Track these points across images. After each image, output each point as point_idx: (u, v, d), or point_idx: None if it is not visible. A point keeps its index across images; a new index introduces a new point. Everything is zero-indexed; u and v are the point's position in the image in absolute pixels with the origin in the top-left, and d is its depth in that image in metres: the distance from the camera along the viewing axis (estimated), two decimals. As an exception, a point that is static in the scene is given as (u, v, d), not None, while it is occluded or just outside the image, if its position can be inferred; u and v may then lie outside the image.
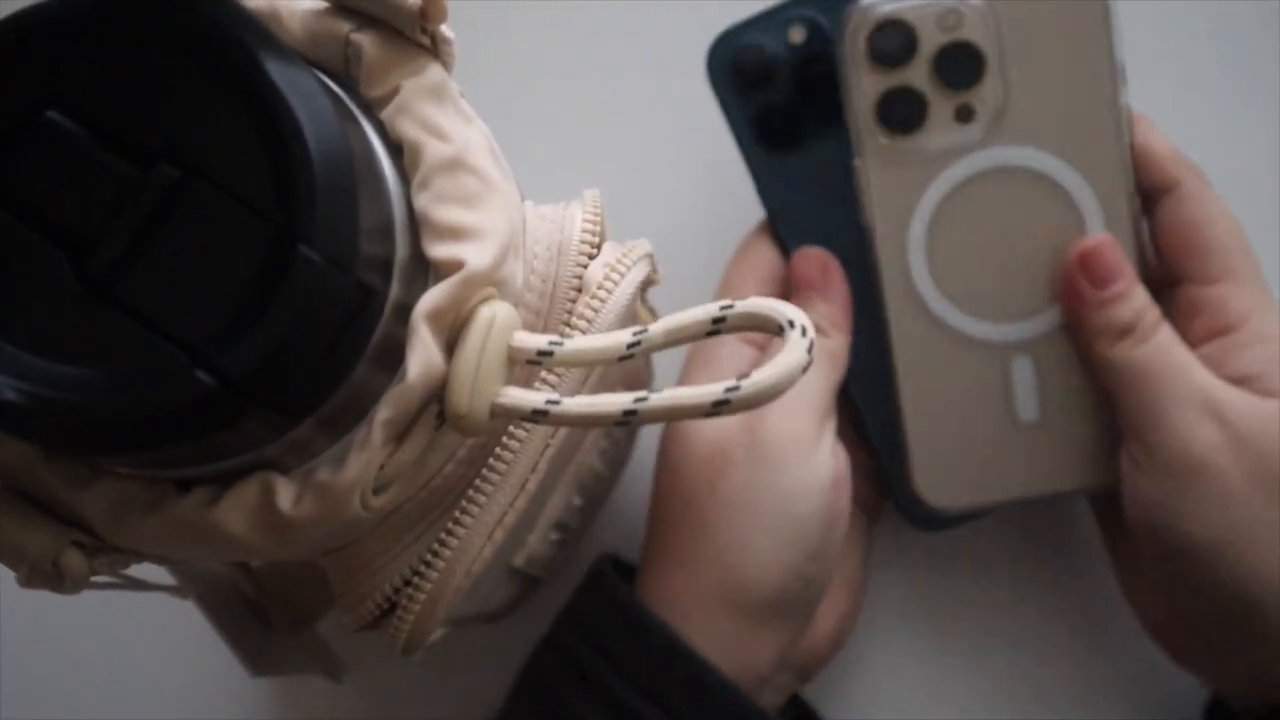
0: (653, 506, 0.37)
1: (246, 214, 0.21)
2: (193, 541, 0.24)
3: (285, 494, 0.24)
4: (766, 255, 0.39)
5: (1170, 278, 0.37)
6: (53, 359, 0.21)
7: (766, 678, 0.36)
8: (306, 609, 0.37)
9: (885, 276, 0.38)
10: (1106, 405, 0.37)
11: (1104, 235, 0.37)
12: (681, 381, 0.37)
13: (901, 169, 0.38)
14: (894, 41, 0.37)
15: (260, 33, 0.22)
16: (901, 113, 0.37)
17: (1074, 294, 0.36)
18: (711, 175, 0.44)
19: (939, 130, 0.37)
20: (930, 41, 0.37)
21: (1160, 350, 0.35)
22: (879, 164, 0.37)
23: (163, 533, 0.24)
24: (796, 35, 0.39)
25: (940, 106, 0.37)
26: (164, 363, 0.21)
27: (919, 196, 0.38)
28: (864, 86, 0.37)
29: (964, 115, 0.37)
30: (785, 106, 0.39)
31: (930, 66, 0.37)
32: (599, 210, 0.29)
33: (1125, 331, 0.35)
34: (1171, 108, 0.42)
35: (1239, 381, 0.34)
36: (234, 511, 0.24)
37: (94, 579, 0.25)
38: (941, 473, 0.38)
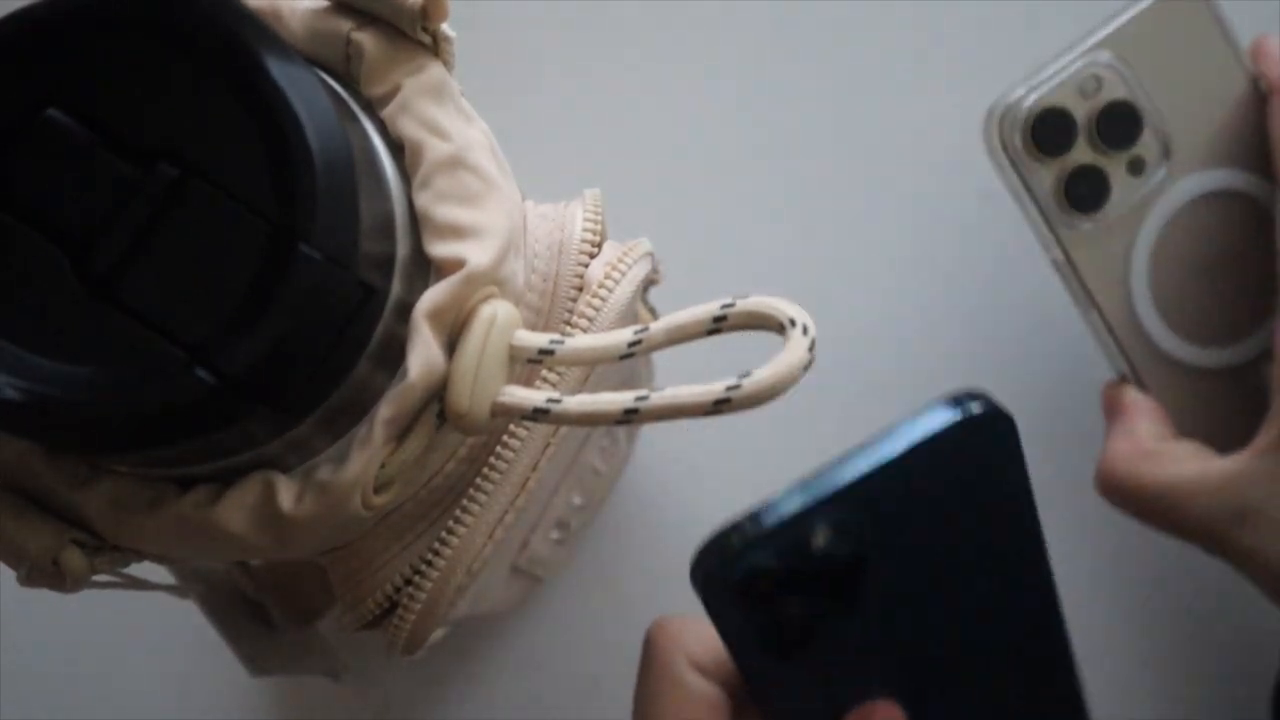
0: None
1: (246, 212, 0.21)
2: (193, 540, 0.24)
3: (286, 493, 0.24)
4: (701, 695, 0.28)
5: None
6: (53, 358, 0.21)
7: None
8: (307, 608, 0.37)
9: (1125, 343, 0.38)
10: None
11: None
12: None
13: (1103, 243, 0.37)
14: (1052, 128, 0.37)
15: (261, 31, 0.22)
16: (1084, 192, 0.37)
17: None
18: (712, 175, 0.44)
19: (1122, 192, 0.37)
20: (1084, 114, 0.37)
21: None
22: (1084, 246, 0.37)
23: (163, 531, 0.24)
24: (820, 538, 0.26)
25: (1116, 170, 0.37)
26: (164, 361, 0.21)
27: (1129, 258, 0.37)
28: (1040, 180, 0.37)
29: (1136, 168, 0.37)
30: (804, 614, 0.27)
31: (1092, 137, 0.37)
32: (600, 209, 0.29)
33: None
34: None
35: None
36: (235, 510, 0.24)
37: (94, 578, 0.25)
38: None
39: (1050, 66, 0.37)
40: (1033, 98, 0.37)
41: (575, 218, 0.28)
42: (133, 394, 0.21)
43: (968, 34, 0.46)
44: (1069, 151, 0.37)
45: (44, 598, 0.26)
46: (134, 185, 0.21)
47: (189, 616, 0.35)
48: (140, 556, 0.25)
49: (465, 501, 0.27)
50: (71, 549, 0.24)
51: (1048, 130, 0.36)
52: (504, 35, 0.45)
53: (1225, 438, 0.36)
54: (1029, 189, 0.37)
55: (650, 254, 0.30)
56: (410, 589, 0.27)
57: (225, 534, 0.24)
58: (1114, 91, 0.37)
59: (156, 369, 0.21)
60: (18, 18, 0.22)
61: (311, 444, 0.24)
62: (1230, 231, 0.37)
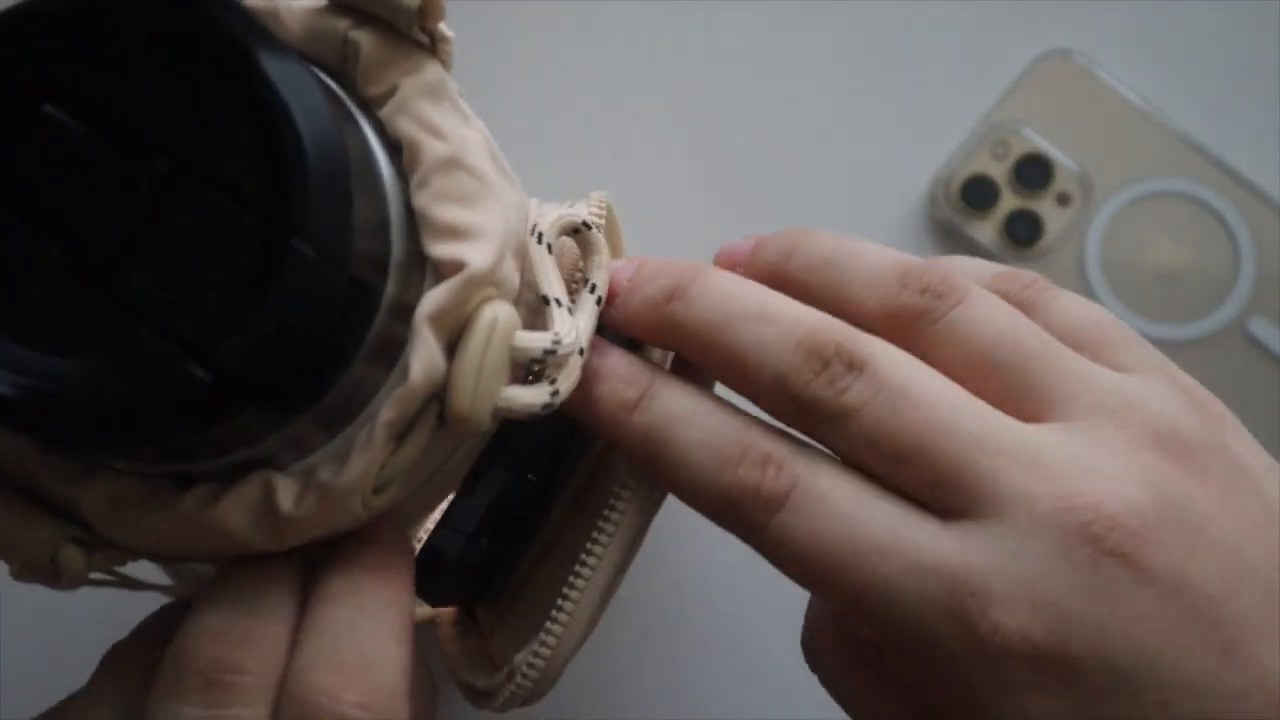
0: None
1: (239, 208, 0.21)
2: (192, 538, 0.24)
3: (286, 493, 0.24)
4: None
5: None
6: (46, 352, 0.21)
7: None
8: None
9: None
10: None
11: None
12: None
13: (1056, 263, 0.43)
14: (979, 191, 0.43)
15: (256, 28, 0.22)
16: (1023, 230, 0.43)
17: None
18: (711, 175, 0.44)
19: (1056, 222, 0.43)
20: (1001, 173, 0.43)
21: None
22: (1040, 270, 0.40)
23: (162, 529, 0.24)
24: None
25: (1044, 206, 0.43)
26: (156, 356, 0.21)
27: (1084, 268, 0.43)
28: (983, 232, 0.43)
29: (1063, 200, 0.43)
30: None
31: (1015, 187, 0.43)
32: (603, 209, 0.29)
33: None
34: (1173, 107, 0.42)
35: None
36: (235, 510, 0.24)
37: (91, 575, 0.25)
38: None
39: (963, 141, 0.44)
40: (955, 171, 0.43)
41: (579, 216, 0.28)
42: (124, 388, 0.21)
43: (967, 33, 0.46)
44: (999, 203, 0.43)
45: (45, 598, 0.25)
46: (128, 180, 0.21)
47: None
48: (138, 554, 0.25)
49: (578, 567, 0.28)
50: (70, 546, 0.24)
51: (975, 193, 0.43)
52: (505, 35, 0.45)
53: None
54: (976, 241, 0.43)
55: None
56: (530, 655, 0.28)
57: (224, 533, 0.24)
58: (1020, 148, 0.43)
59: (148, 363, 0.21)
60: (12, 12, 0.22)
61: (307, 441, 0.24)
62: (1165, 223, 0.43)
